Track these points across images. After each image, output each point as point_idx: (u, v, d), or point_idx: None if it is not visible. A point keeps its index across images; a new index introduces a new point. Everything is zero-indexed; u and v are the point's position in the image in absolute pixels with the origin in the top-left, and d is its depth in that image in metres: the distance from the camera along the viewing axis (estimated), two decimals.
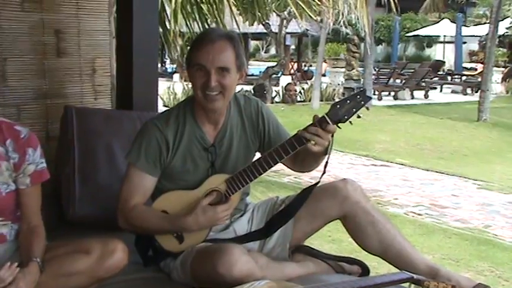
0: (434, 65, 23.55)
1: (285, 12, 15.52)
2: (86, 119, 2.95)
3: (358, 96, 2.21)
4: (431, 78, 21.13)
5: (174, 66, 21.15)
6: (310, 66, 23.74)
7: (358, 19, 7.07)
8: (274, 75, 17.80)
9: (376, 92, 17.53)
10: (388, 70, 19.79)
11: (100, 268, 2.09)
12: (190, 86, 2.47)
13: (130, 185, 2.34)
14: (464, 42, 25.32)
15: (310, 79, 19.75)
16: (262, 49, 33.60)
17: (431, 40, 29.41)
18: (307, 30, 19.78)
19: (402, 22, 27.43)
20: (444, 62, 25.95)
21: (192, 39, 3.29)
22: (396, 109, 15.88)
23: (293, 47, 27.07)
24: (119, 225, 2.36)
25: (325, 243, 4.72)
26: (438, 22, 27.27)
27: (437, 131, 12.26)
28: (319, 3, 5.76)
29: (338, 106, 2.20)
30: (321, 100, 15.64)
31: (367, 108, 2.22)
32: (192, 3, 5.05)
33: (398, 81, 19.99)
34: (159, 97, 4.07)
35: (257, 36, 23.59)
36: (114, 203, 2.36)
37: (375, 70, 18.70)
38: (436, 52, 29.64)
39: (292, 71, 22.84)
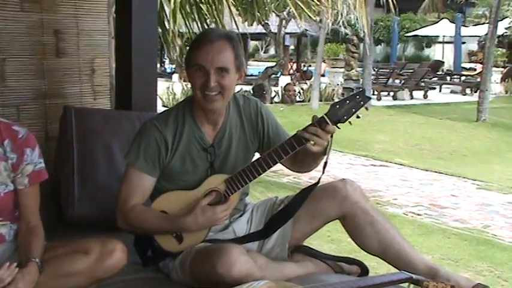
0: (434, 65, 23.55)
1: (284, 13, 15.53)
2: (85, 119, 2.95)
3: (358, 97, 2.21)
4: (431, 79, 21.14)
5: (173, 66, 21.17)
6: (309, 66, 23.76)
7: (357, 19, 7.07)
8: (274, 76, 17.80)
9: (375, 92, 17.54)
10: (387, 70, 19.79)
11: (99, 268, 2.09)
12: (189, 86, 2.47)
13: (129, 185, 2.34)
14: (464, 43, 25.34)
15: (309, 79, 19.76)
16: (262, 49, 33.60)
17: (431, 40, 29.43)
18: (306, 30, 19.78)
19: (401, 22, 27.45)
20: (443, 62, 25.97)
21: (191, 39, 3.29)
22: (395, 109, 15.89)
23: (292, 47, 27.07)
24: (117, 225, 2.36)
25: (324, 243, 4.72)
26: (437, 22, 27.28)
27: (436, 131, 12.26)
28: (318, 3, 5.76)
29: (337, 106, 2.20)
30: (320, 100, 15.64)
31: (367, 109, 2.23)
32: (191, 3, 5.05)
33: (397, 81, 19.99)
34: (158, 97, 4.07)
35: (256, 36, 23.57)
36: (113, 203, 2.36)
37: (374, 70, 18.70)
38: (435, 52, 29.66)
39: (291, 71, 22.84)
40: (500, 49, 25.18)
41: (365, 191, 2.56)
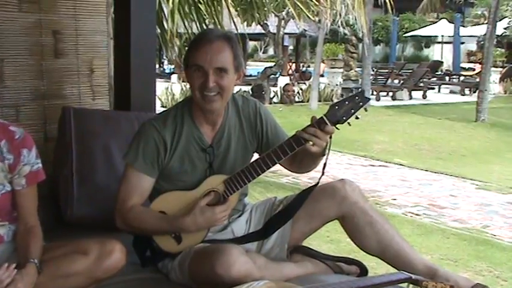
0: (433, 65, 23.58)
1: (283, 13, 15.52)
2: (83, 120, 2.95)
3: (357, 98, 2.21)
4: (430, 79, 21.16)
5: (172, 66, 21.17)
6: (308, 66, 23.78)
7: (355, 20, 7.08)
8: (273, 76, 17.81)
9: (374, 93, 17.54)
10: (386, 70, 19.82)
11: (98, 269, 2.09)
12: (188, 86, 2.47)
13: (128, 185, 2.33)
14: (462, 43, 25.37)
15: (308, 79, 19.75)
16: (260, 50, 33.62)
17: (430, 40, 29.46)
18: (305, 30, 19.78)
19: (400, 22, 27.46)
20: (442, 62, 25.99)
21: (190, 39, 3.29)
22: (394, 109, 15.89)
23: (291, 47, 27.09)
24: (116, 225, 2.36)
25: (324, 243, 4.71)
26: (436, 22, 27.30)
27: (435, 131, 12.27)
28: (317, 3, 5.77)
29: (336, 107, 2.20)
30: (319, 100, 15.65)
31: (366, 110, 2.23)
32: (189, 3, 5.05)
33: (396, 81, 20.00)
34: (157, 98, 4.07)
35: (255, 36, 23.62)
36: (112, 203, 2.36)
37: (373, 70, 18.70)
38: (434, 52, 29.69)
39: (290, 72, 22.85)
40: (499, 49, 25.20)
41: (364, 191, 2.56)
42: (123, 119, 3.07)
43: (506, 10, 23.12)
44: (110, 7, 3.45)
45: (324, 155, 2.27)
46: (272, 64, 18.25)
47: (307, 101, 15.95)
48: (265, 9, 7.09)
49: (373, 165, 8.86)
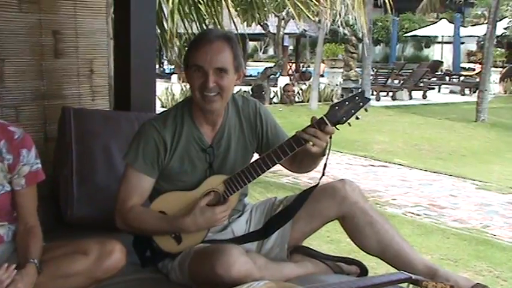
0: (433, 65, 23.58)
1: (283, 13, 15.52)
2: (83, 120, 2.95)
3: (357, 98, 2.21)
4: (430, 79, 21.16)
5: (172, 67, 21.15)
6: (308, 66, 23.77)
7: (355, 20, 7.08)
8: (273, 76, 17.81)
9: (374, 93, 17.54)
10: (386, 70, 19.83)
11: (98, 269, 2.09)
12: (188, 87, 2.47)
13: (128, 186, 2.33)
14: (462, 43, 25.37)
15: (308, 80, 19.75)
16: (260, 50, 33.63)
17: (430, 40, 29.46)
18: (305, 31, 19.78)
19: (400, 22, 27.46)
20: (442, 62, 25.99)
21: (190, 40, 3.29)
22: (394, 109, 15.89)
23: (291, 47, 27.11)
24: (116, 226, 2.36)
25: (324, 243, 4.71)
26: (436, 22, 27.30)
27: (435, 131, 12.27)
28: (316, 3, 5.77)
29: (337, 107, 2.20)
30: (319, 101, 15.65)
31: (366, 110, 2.23)
32: (189, 3, 5.05)
33: (396, 81, 20.00)
34: (157, 98, 4.06)
35: (255, 37, 23.61)
36: (112, 204, 2.36)
37: (373, 71, 18.71)
38: (434, 52, 29.70)
39: (290, 72, 22.86)
40: (499, 49, 25.20)
41: (364, 191, 2.56)
42: (123, 119, 3.07)
43: (506, 10, 23.12)
44: (110, 7, 3.45)
45: (324, 155, 2.27)
46: (272, 64, 18.26)
47: (307, 101, 15.95)
48: (265, 9, 7.09)
49: (373, 166, 8.86)
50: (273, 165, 2.27)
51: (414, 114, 14.82)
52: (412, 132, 12.02)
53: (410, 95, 18.81)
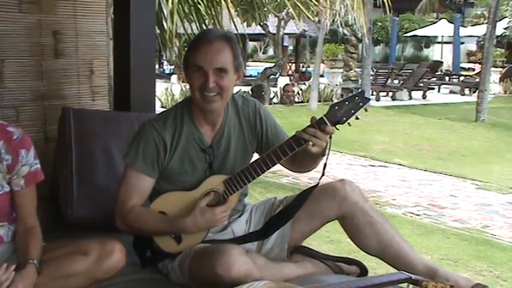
0: (432, 65, 23.58)
1: (283, 13, 15.52)
2: (83, 121, 2.95)
3: (357, 98, 2.21)
4: (429, 79, 21.17)
5: (172, 67, 21.15)
6: (308, 67, 23.78)
7: (355, 20, 7.08)
8: (272, 76, 17.81)
9: (374, 93, 17.55)
10: (386, 71, 19.82)
11: (98, 269, 2.09)
12: (188, 87, 2.47)
13: (128, 186, 2.33)
14: (462, 43, 25.38)
15: (308, 80, 19.76)
16: (260, 50, 33.63)
17: (429, 40, 29.46)
18: (305, 31, 19.76)
19: (400, 23, 27.46)
20: (442, 63, 26.00)
21: (190, 40, 3.29)
22: (394, 110, 15.90)
23: (291, 47, 27.10)
24: (116, 226, 2.36)
25: (324, 243, 4.71)
26: (436, 22, 27.31)
27: (435, 131, 12.27)
28: (316, 3, 5.77)
29: (336, 107, 2.20)
30: (319, 101, 15.65)
31: (366, 110, 2.23)
32: (189, 4, 5.05)
33: (396, 81, 20.01)
34: (156, 98, 4.06)
35: (255, 37, 23.61)
36: (112, 204, 2.36)
37: (373, 71, 18.72)
38: (434, 52, 29.70)
39: (290, 72, 22.85)
40: (499, 49, 25.20)
41: (364, 192, 2.56)
42: (123, 120, 3.07)
43: (506, 10, 23.13)
44: (110, 7, 3.45)
45: (324, 155, 2.27)
46: (272, 64, 18.26)
47: (307, 102, 15.96)
48: (265, 9, 7.10)
49: (373, 166, 8.86)
50: (273, 165, 2.27)
51: (414, 114, 14.82)
52: (412, 132, 12.02)
53: (410, 95, 18.82)
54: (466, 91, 20.51)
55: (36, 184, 2.22)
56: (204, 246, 2.33)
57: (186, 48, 2.49)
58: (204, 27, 5.01)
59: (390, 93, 18.81)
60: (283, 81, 18.60)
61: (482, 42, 20.24)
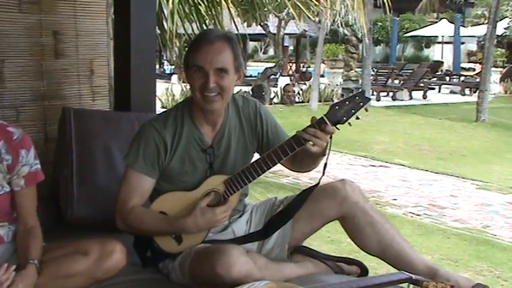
0: (433, 65, 23.57)
1: (283, 13, 15.52)
2: (84, 121, 2.95)
3: (357, 98, 2.21)
4: (430, 79, 21.16)
5: (173, 67, 21.14)
6: (309, 67, 23.76)
7: (355, 20, 7.08)
8: (273, 76, 17.80)
9: (375, 93, 17.54)
10: (387, 71, 19.82)
11: (98, 269, 2.09)
12: (188, 87, 2.47)
13: (128, 186, 2.33)
14: (463, 43, 25.39)
15: (309, 80, 19.76)
16: (261, 50, 33.63)
17: (430, 41, 29.45)
18: (305, 31, 19.76)
19: (400, 23, 27.46)
20: (442, 63, 26.00)
21: (190, 40, 3.29)
22: (394, 110, 15.89)
23: (291, 48, 27.11)
24: (117, 226, 2.36)
25: (324, 243, 4.71)
26: (436, 22, 27.30)
27: (435, 131, 12.27)
28: (317, 4, 5.77)
29: (337, 107, 2.20)
30: (320, 101, 15.65)
31: (366, 110, 2.23)
32: (190, 4, 5.05)
33: (396, 81, 19.99)
34: (157, 98, 4.06)
35: (255, 37, 23.60)
36: (112, 204, 2.36)
37: (373, 71, 18.72)
38: (434, 52, 29.69)
39: (290, 72, 22.85)
40: (499, 49, 25.22)
41: (364, 192, 2.56)
42: (123, 120, 3.07)
43: (507, 10, 23.13)
44: (110, 8, 3.45)
45: (325, 155, 2.27)
46: (272, 64, 18.25)
47: (308, 102, 15.95)
48: (266, 9, 7.10)
49: (373, 166, 8.86)
50: (274, 165, 2.27)
51: (414, 115, 14.82)
52: (412, 133, 12.01)
53: (410, 95, 18.81)
54: (467, 91, 20.50)
55: (37, 184, 2.22)
56: (205, 246, 2.33)
57: (186, 49, 2.49)
58: (205, 28, 5.01)
59: (391, 93, 18.80)
60: (283, 81, 18.60)
61: (482, 42, 20.21)
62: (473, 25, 27.46)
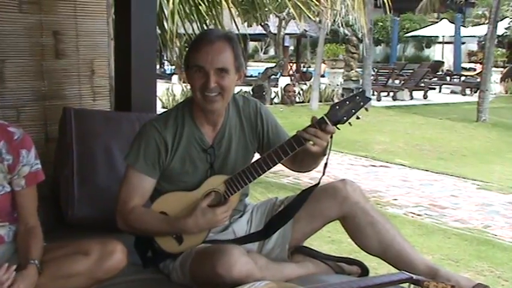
0: (433, 65, 23.57)
1: (284, 13, 15.53)
2: (84, 121, 2.95)
3: (358, 97, 2.21)
4: (430, 79, 21.15)
5: (173, 67, 21.15)
6: (309, 67, 23.77)
7: (355, 20, 7.08)
8: (273, 76, 17.80)
9: (375, 93, 17.53)
10: (387, 71, 19.80)
11: (99, 269, 2.09)
12: (189, 87, 2.47)
13: (129, 186, 2.33)
14: (463, 43, 25.38)
15: (309, 80, 19.76)
16: (261, 50, 33.62)
17: (430, 40, 29.45)
18: (306, 31, 19.80)
19: (401, 23, 27.46)
20: (443, 63, 25.99)
21: (191, 40, 3.29)
22: (395, 110, 15.88)
23: (292, 48, 27.12)
24: (117, 226, 2.36)
25: (325, 243, 4.71)
26: (437, 22, 27.29)
27: (436, 131, 12.26)
28: (317, 4, 5.77)
29: (337, 107, 2.20)
30: (320, 101, 15.64)
31: (366, 110, 2.23)
32: (190, 4, 5.05)
33: (397, 81, 19.98)
34: (157, 98, 4.07)
35: (256, 37, 23.61)
36: (112, 204, 2.36)
37: (374, 71, 18.71)
38: (435, 52, 29.68)
39: (291, 72, 22.85)
40: (500, 49, 25.20)
41: (365, 192, 2.56)
42: (124, 120, 3.07)
43: (507, 10, 23.14)
44: (111, 8, 3.45)
45: (325, 154, 2.27)
46: (273, 64, 18.24)
47: (308, 102, 15.95)
48: (266, 9, 7.11)
49: (374, 166, 8.85)
50: (274, 165, 2.27)
51: (415, 115, 14.81)
52: (413, 133, 12.01)
53: (411, 95, 18.81)
54: (467, 91, 20.49)
55: (37, 184, 2.22)
56: (205, 246, 2.33)
57: (187, 49, 2.49)
58: (205, 28, 5.01)
59: (391, 93, 18.79)
60: (284, 81, 18.60)
61: (483, 42, 20.19)
62: (474, 25, 27.44)
